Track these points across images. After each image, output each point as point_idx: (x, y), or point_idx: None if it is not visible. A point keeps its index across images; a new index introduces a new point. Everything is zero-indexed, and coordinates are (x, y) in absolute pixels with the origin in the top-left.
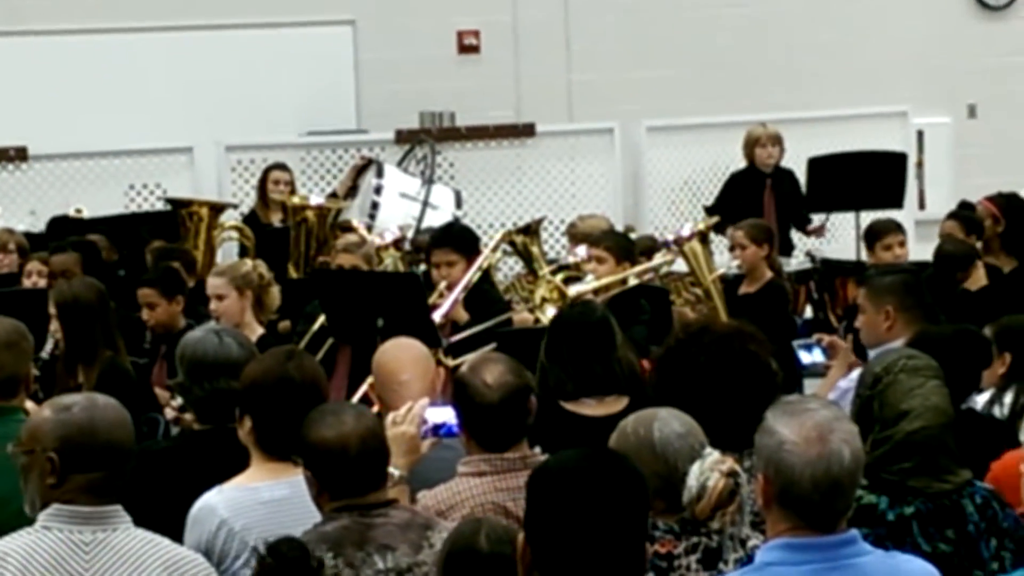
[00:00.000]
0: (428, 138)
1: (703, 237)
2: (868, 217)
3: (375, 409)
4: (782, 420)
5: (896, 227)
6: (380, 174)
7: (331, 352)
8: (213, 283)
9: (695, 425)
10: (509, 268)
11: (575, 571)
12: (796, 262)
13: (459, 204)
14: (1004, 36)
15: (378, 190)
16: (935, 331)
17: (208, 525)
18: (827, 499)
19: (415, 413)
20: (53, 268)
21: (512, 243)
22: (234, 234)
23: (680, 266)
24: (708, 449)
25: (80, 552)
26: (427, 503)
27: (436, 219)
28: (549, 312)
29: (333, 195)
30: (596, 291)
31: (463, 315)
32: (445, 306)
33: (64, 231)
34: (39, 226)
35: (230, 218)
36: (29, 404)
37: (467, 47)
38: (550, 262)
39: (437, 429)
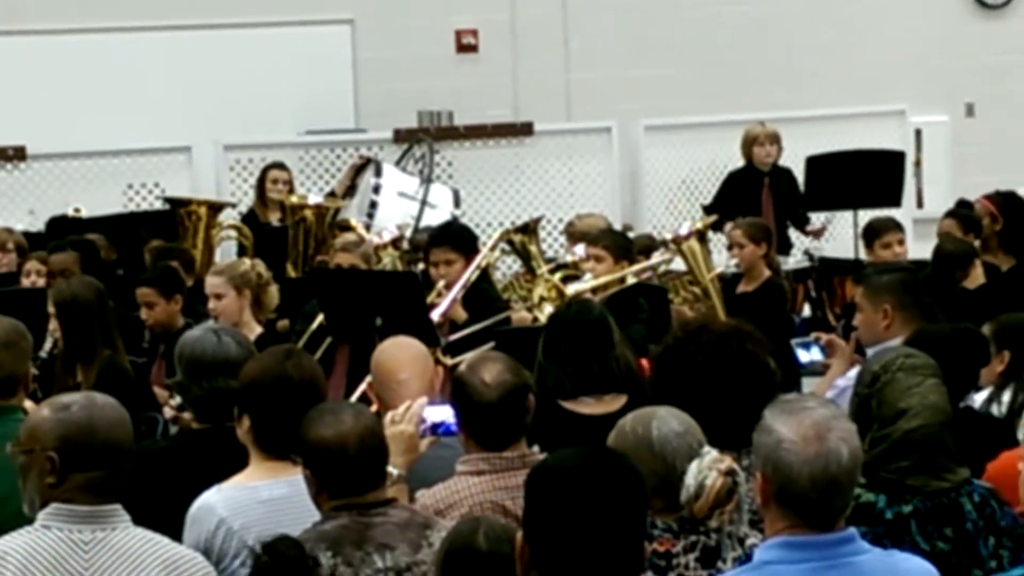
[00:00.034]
0: (426, 137)
1: (701, 236)
2: (866, 216)
3: (374, 408)
4: (780, 419)
5: (895, 225)
6: (378, 173)
7: (330, 351)
8: (211, 282)
9: (693, 424)
10: (507, 267)
11: (574, 570)
12: (794, 261)
13: (457, 203)
14: (1002, 35)
15: (376, 189)
16: (933, 329)
17: (207, 524)
18: (825, 497)
19: (413, 412)
20: (52, 267)
21: (510, 242)
22: (232, 233)
23: (678, 265)
24: (706, 448)
25: (79, 551)
26: (426, 502)
27: (434, 218)
28: (547, 311)
29: (331, 194)
30: (594, 290)
31: (461, 314)
32: (443, 305)
33: (63, 230)
34: (38, 225)
35: (228, 217)
36: (28, 403)
37: (465, 46)
38: (548, 261)
39: (435, 428)
